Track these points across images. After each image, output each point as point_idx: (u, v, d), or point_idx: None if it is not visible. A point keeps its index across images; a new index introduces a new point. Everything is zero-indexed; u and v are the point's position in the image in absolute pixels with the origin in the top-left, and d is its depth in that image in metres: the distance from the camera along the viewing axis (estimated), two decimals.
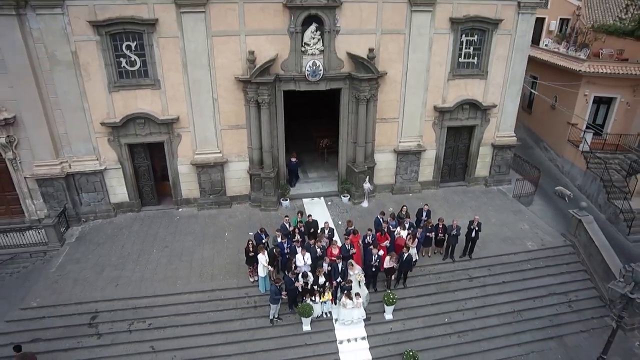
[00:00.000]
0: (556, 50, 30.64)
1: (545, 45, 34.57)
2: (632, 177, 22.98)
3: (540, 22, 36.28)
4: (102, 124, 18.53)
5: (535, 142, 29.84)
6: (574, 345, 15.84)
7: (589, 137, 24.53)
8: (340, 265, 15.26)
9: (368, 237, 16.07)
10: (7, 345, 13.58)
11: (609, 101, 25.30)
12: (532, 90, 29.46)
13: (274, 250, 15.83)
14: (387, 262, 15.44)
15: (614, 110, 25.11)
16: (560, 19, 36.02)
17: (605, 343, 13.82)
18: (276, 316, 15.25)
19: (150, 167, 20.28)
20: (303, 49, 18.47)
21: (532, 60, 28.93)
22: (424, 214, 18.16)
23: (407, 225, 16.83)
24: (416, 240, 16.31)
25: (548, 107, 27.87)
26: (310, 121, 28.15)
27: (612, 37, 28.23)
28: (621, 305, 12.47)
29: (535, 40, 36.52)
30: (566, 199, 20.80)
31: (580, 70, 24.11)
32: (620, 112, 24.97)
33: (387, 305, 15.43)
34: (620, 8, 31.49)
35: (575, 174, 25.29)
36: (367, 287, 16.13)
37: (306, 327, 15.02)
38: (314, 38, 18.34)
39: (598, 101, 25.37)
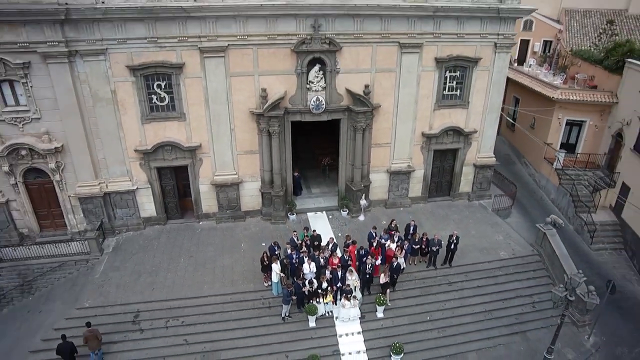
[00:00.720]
0: (538, 72, 34.13)
1: (530, 65, 38.07)
2: (597, 192, 26.42)
3: (525, 43, 39.94)
4: (136, 150, 21.95)
5: (518, 157, 33.29)
6: (535, 339, 19.26)
7: (561, 156, 27.92)
8: (339, 273, 18.67)
9: (362, 251, 19.47)
10: (72, 338, 16.93)
11: (580, 123, 28.66)
12: (515, 108, 32.85)
13: (285, 260, 19.26)
14: (382, 279, 18.75)
15: (584, 132, 28.50)
16: (544, 40, 39.40)
17: (555, 337, 17.23)
18: (287, 315, 18.67)
19: (175, 186, 23.72)
20: (308, 86, 21.88)
21: (515, 83, 32.51)
22: (411, 228, 21.58)
23: (396, 239, 20.23)
24: (403, 251, 19.71)
25: (528, 127, 31.26)
26: (313, 139, 31.41)
27: (587, 63, 31.56)
28: (563, 306, 15.87)
29: (521, 61, 40.15)
30: (558, 226, 23.57)
31: (553, 97, 27.51)
32: (589, 133, 28.38)
33: (379, 305, 18.87)
34: (597, 34, 34.88)
35: (549, 189, 28.75)
36: (362, 292, 19.53)
37: (312, 324, 18.45)
38: (317, 77, 21.75)
39: (571, 123, 28.74)
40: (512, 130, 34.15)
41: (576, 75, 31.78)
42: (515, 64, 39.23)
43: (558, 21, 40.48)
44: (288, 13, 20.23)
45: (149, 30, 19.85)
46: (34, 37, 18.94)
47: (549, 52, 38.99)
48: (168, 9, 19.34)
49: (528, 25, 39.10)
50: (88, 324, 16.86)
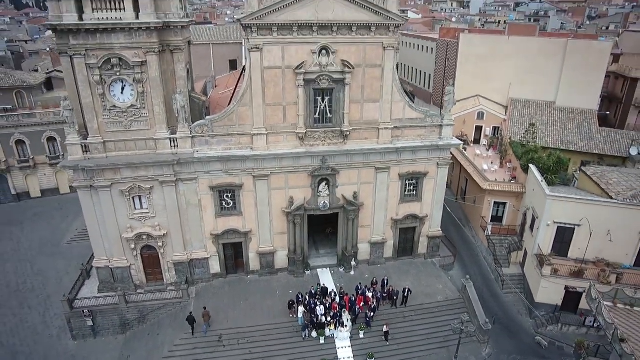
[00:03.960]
0: (484, 156, 49.98)
1: (484, 144, 54.08)
2: (511, 253, 42.10)
3: (479, 129, 55.87)
4: (210, 233, 37.68)
5: (467, 222, 49.03)
6: (454, 351, 34.70)
7: (489, 227, 43.58)
8: (338, 312, 34.28)
9: (352, 297, 35.13)
10: (185, 346, 32.36)
11: (504, 204, 44.30)
12: (464, 188, 48.63)
13: (305, 304, 34.88)
14: (385, 328, 34.34)
15: (507, 209, 44.15)
16: (493, 127, 55.27)
17: (458, 350, 32.67)
18: (306, 336, 34.17)
19: (233, 253, 39.41)
20: (318, 194, 37.67)
21: (464, 169, 48.29)
22: (386, 282, 37.19)
23: (372, 290, 35.89)
24: (376, 298, 35.29)
25: (472, 202, 46.99)
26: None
27: (514, 156, 47.26)
28: (459, 332, 31.36)
29: (477, 140, 56.05)
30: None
31: (483, 187, 43.25)
32: (510, 211, 44.04)
33: (360, 330, 34.47)
34: (525, 129, 50.58)
35: (482, 249, 44.44)
36: (352, 322, 35.06)
37: (321, 341, 34.01)
38: (324, 189, 37.56)
39: (498, 203, 44.39)
40: (464, 201, 49.84)
41: (507, 164, 47.73)
42: (472, 144, 55.22)
43: (506, 108, 56.47)
44: (306, 155, 36.15)
45: (223, 165, 35.73)
46: (157, 172, 34.82)
47: (495, 136, 54.85)
48: (235, 156, 35.23)
49: (481, 116, 55.01)
50: (205, 308, 33.36)
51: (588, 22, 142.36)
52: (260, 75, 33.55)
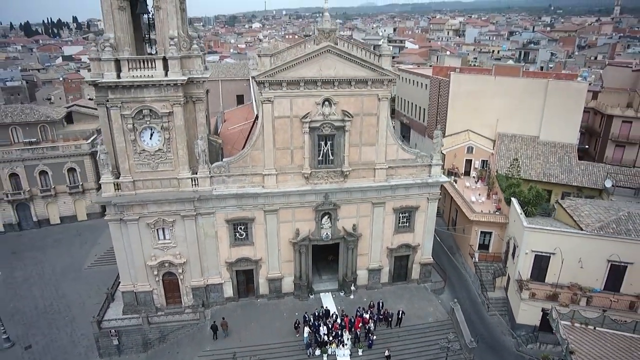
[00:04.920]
0: (473, 188, 55.12)
1: (473, 177, 59.28)
2: (496, 278, 46.92)
3: (469, 162, 61.10)
4: (225, 262, 42.61)
5: (457, 250, 53.97)
6: None
7: (476, 254, 48.49)
8: (339, 332, 38.99)
9: (353, 319, 39.90)
10: (207, 355, 37.03)
11: (490, 233, 49.26)
12: (455, 218, 53.68)
13: (310, 324, 39.60)
14: (386, 352, 39.11)
15: (492, 238, 49.10)
16: (482, 160, 60.57)
17: None
18: (311, 354, 38.79)
19: (244, 279, 44.26)
20: (321, 226, 42.73)
21: (455, 200, 53.36)
22: (381, 305, 41.98)
23: (369, 312, 40.68)
24: (372, 319, 40.03)
25: (462, 231, 51.97)
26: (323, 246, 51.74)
27: (499, 188, 52.30)
28: (446, 350, 36.01)
29: (467, 172, 61.22)
30: None
31: (470, 218, 48.28)
32: (495, 240, 49.02)
33: (359, 349, 39.09)
34: (510, 162, 55.83)
35: (471, 274, 49.26)
36: (352, 342, 39.69)
37: (325, 359, 38.58)
38: (327, 222, 42.63)
39: (484, 232, 49.35)
40: (454, 231, 54.82)
41: (493, 196, 52.88)
42: (462, 176, 60.45)
43: (494, 142, 61.82)
44: (311, 192, 41.38)
45: (238, 201, 40.94)
46: (179, 207, 39.97)
47: (484, 168, 60.12)
48: (248, 193, 40.43)
49: (470, 150, 60.37)
50: (223, 318, 38.86)
51: (577, 52, 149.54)
52: (271, 123, 38.99)
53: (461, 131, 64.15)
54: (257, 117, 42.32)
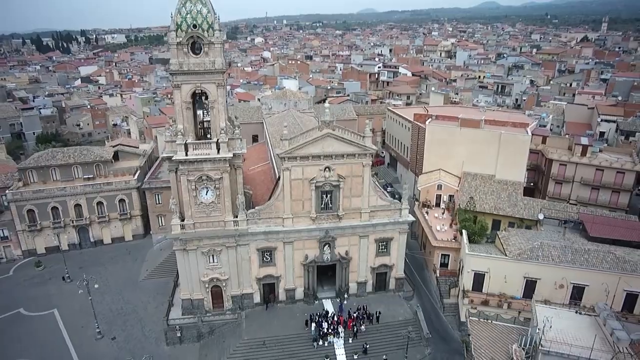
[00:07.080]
0: (439, 219, 75.03)
1: (442, 208, 79.14)
2: (451, 289, 66.84)
3: (439, 196, 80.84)
4: (255, 277, 62.62)
5: (425, 267, 73.88)
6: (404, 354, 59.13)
7: (438, 271, 68.30)
8: (336, 326, 58.90)
9: (346, 317, 59.89)
10: (241, 350, 56.88)
11: (448, 255, 68.97)
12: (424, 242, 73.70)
13: (316, 321, 59.50)
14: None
15: (450, 259, 68.86)
16: (449, 195, 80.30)
17: (407, 351, 57.05)
18: (317, 346, 58.60)
19: (269, 290, 64.23)
20: (323, 252, 62.78)
21: (420, 226, 73.35)
22: (365, 307, 61.88)
23: (356, 313, 60.62)
24: (358, 318, 59.90)
25: (428, 253, 71.77)
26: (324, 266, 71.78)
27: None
28: (408, 338, 55.82)
29: (438, 203, 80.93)
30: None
31: (433, 245, 68.12)
32: (452, 260, 68.73)
33: (349, 338, 58.91)
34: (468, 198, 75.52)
35: (433, 286, 69.18)
36: (345, 334, 59.53)
37: (326, 345, 58.41)
38: (327, 249, 62.56)
39: (444, 254, 69.06)
40: (424, 254, 74.56)
41: (454, 225, 72.76)
42: (434, 207, 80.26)
43: (460, 179, 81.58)
44: (316, 229, 61.43)
45: (265, 236, 61.02)
46: (224, 240, 60.15)
47: (451, 201, 79.84)
48: (273, 231, 60.49)
49: (440, 187, 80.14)
50: (272, 293, 58.86)
51: (557, 75, 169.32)
52: (289, 184, 58.89)
53: (434, 170, 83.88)
54: (278, 179, 62.23)
